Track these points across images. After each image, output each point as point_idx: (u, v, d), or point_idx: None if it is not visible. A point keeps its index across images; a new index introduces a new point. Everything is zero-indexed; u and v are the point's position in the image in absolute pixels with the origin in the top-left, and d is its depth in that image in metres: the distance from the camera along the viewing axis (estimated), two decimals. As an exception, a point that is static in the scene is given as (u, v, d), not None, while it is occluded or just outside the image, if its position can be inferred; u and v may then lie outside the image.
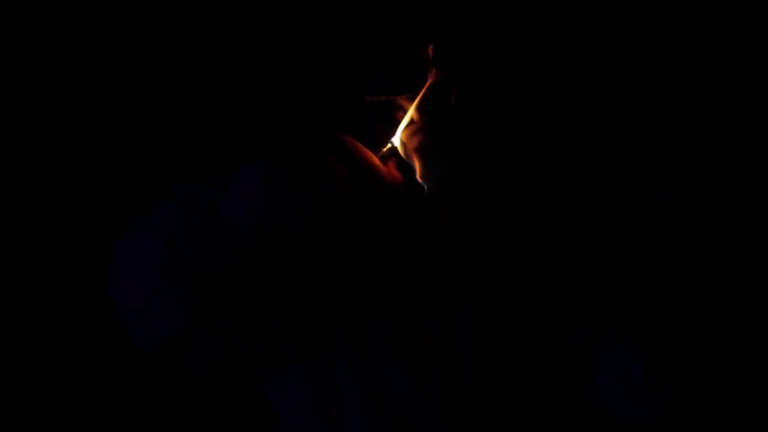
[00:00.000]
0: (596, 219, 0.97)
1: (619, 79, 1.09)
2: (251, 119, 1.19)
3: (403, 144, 0.75)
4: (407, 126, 0.76)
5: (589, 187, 1.00)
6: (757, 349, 0.86)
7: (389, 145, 0.76)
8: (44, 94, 1.16)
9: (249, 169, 0.72)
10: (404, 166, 0.79)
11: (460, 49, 0.83)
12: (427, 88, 0.77)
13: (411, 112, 0.77)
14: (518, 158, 0.95)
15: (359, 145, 0.72)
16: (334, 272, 0.90)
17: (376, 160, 0.72)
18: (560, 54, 1.01)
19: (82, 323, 1.20)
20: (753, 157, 1.09)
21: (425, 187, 0.74)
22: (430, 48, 0.80)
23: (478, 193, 0.94)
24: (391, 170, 0.75)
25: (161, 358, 0.86)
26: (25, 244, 1.19)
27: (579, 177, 1.01)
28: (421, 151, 0.73)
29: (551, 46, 1.03)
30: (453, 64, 0.80)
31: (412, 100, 0.78)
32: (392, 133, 0.77)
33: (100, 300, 0.86)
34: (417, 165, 0.74)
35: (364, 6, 0.97)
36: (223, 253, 0.74)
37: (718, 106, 1.10)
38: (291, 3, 1.11)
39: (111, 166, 1.19)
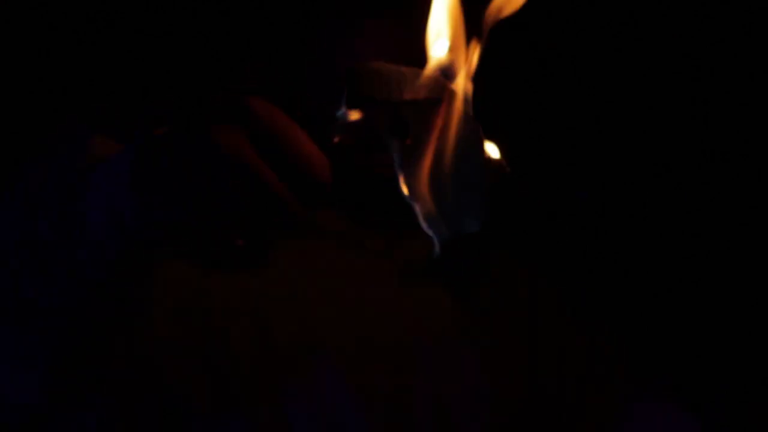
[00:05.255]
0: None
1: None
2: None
3: (404, 174, 0.50)
4: (411, 153, 0.50)
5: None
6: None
7: (342, 112, 0.51)
8: None
9: (116, 155, 0.50)
10: (358, 150, 0.54)
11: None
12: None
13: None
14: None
15: (280, 113, 0.46)
16: (242, 298, 0.74)
17: (303, 138, 0.46)
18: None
19: None
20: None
21: (436, 241, 0.50)
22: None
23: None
24: (340, 157, 0.51)
25: None
26: None
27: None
28: (434, 189, 0.49)
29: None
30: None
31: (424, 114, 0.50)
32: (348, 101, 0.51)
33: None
34: (419, 207, 0.50)
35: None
36: (80, 280, 0.51)
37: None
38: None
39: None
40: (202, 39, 1.10)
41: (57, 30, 1.11)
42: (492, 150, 0.52)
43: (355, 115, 0.51)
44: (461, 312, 0.80)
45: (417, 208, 0.50)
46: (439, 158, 0.48)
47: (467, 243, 0.53)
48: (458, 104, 0.48)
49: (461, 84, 0.50)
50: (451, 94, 0.49)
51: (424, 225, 0.50)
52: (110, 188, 0.48)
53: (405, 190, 0.50)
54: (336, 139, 0.50)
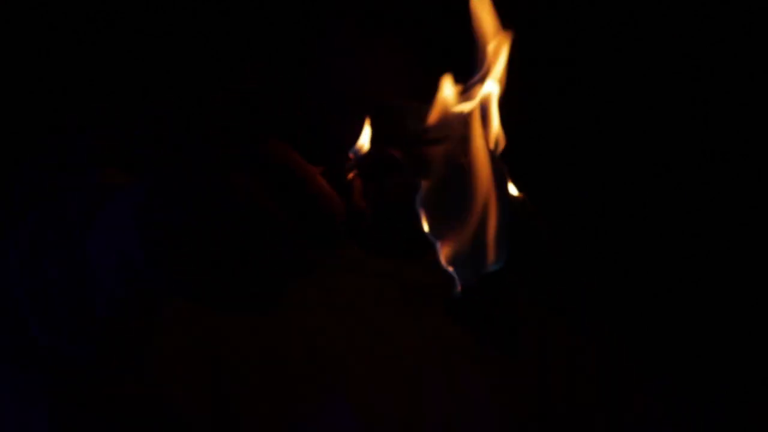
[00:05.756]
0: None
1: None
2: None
3: (426, 213, 0.47)
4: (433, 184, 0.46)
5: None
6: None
7: (350, 156, 0.47)
8: None
9: (124, 192, 0.48)
10: (377, 195, 0.50)
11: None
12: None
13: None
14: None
15: (295, 155, 0.43)
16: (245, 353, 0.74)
17: (319, 181, 0.43)
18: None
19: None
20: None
21: (458, 281, 0.47)
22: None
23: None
24: (356, 198, 0.47)
25: None
26: None
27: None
28: (462, 228, 0.45)
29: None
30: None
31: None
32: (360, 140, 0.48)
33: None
34: (441, 247, 0.47)
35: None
36: (87, 319, 0.49)
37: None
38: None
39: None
40: (202, 39, 1.09)
41: (57, 30, 1.11)
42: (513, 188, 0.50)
43: (369, 152, 0.48)
44: (470, 337, 0.79)
45: (438, 248, 0.47)
46: (463, 197, 0.46)
47: (489, 283, 0.49)
48: (483, 142, 0.46)
49: (488, 121, 0.48)
50: (476, 132, 0.46)
51: (445, 265, 0.47)
52: (117, 227, 0.46)
53: (426, 228, 0.47)
54: (350, 176, 0.47)
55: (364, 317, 0.79)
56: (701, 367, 0.82)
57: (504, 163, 0.48)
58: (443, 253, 0.47)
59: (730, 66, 1.09)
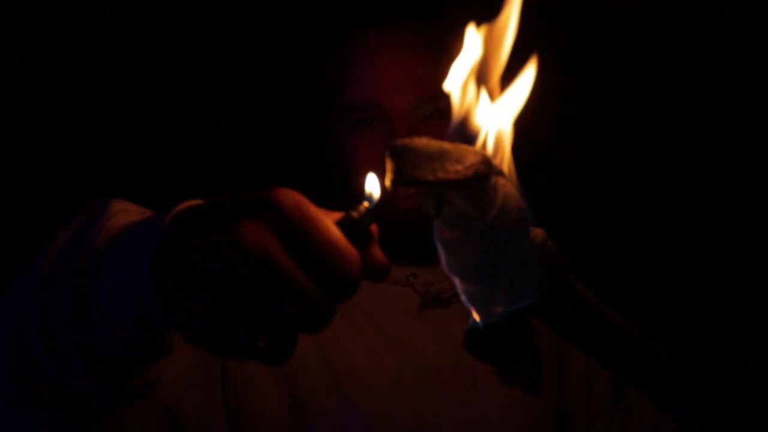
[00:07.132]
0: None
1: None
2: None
3: (445, 250, 0.46)
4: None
5: None
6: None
7: (365, 204, 0.45)
8: None
9: (136, 230, 0.47)
10: (388, 244, 0.49)
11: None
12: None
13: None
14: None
15: (308, 204, 0.42)
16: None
17: (332, 230, 0.42)
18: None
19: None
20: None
21: (479, 315, 0.47)
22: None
23: None
24: (372, 251, 0.44)
25: None
26: None
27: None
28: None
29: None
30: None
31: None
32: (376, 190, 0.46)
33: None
34: (460, 283, 0.46)
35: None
36: (97, 355, 0.49)
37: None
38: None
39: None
40: (202, 39, 1.10)
41: (57, 30, 1.11)
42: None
43: (382, 197, 0.46)
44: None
45: (458, 284, 0.47)
46: (484, 235, 0.44)
47: (512, 320, 0.49)
48: (503, 181, 0.45)
49: (507, 161, 0.47)
50: (497, 171, 0.45)
51: (464, 299, 0.47)
52: (128, 266, 0.45)
53: (445, 265, 0.46)
54: (367, 226, 0.45)
55: (379, 323, 0.79)
56: (701, 367, 0.82)
57: (525, 201, 0.47)
58: (463, 290, 0.46)
59: (729, 66, 1.09)
